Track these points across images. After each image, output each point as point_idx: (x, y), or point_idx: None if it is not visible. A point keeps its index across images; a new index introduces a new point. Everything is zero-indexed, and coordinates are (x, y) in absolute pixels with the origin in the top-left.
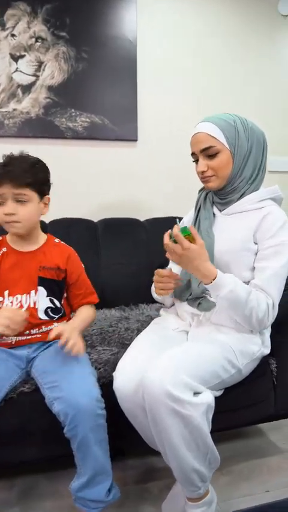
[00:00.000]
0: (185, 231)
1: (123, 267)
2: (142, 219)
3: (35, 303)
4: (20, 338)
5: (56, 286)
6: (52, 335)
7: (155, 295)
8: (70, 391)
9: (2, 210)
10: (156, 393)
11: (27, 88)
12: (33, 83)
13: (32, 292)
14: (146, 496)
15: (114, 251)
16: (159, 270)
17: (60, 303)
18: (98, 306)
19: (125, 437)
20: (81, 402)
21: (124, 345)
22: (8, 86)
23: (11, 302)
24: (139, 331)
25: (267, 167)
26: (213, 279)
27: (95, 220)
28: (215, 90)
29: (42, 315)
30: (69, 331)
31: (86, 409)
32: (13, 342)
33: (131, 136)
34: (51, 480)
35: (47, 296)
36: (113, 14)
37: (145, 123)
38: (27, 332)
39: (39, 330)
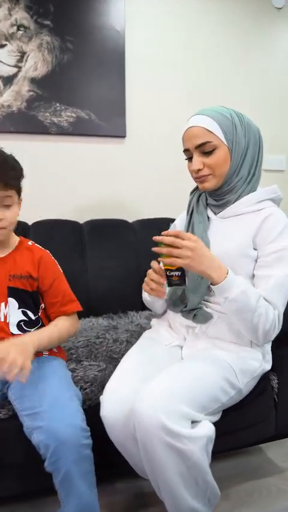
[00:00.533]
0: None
1: (111, 271)
2: (130, 220)
3: (5, 317)
4: None
5: (28, 298)
6: None
7: (145, 295)
8: (51, 420)
9: None
10: (149, 424)
11: (8, 80)
12: (15, 75)
13: (2, 305)
14: None
15: (100, 254)
16: (154, 263)
17: (36, 314)
18: (85, 314)
19: (113, 464)
20: (63, 432)
21: (112, 360)
22: None
23: None
24: (128, 342)
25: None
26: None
27: (81, 221)
28: (206, 84)
29: (14, 330)
30: (13, 353)
31: (69, 440)
32: None
33: (119, 132)
34: (35, 508)
35: (19, 308)
36: (99, 2)
37: (134, 119)
38: None
39: None
